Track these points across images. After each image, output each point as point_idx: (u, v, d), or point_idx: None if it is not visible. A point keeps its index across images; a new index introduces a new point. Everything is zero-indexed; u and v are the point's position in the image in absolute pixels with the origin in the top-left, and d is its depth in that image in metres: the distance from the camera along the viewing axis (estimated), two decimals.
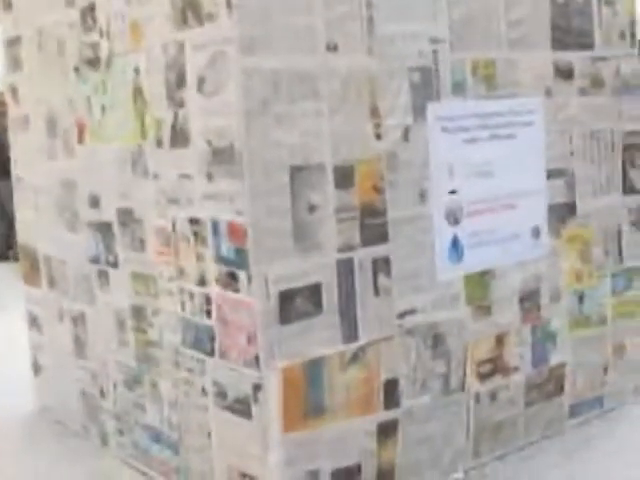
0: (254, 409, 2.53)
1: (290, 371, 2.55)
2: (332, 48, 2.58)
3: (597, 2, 3.31)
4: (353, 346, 2.69)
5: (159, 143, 2.78)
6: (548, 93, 3.16)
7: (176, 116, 2.67)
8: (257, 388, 2.51)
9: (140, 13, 2.78)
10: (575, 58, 3.24)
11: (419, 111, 2.79)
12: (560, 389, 3.34)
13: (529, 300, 3.19)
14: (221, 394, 2.66)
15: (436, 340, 2.91)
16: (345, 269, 2.66)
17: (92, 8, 3.06)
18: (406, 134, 2.77)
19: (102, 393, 3.36)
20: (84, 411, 3.50)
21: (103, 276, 3.24)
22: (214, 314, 2.62)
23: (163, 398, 2.97)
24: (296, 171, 2.53)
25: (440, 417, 2.95)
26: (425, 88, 2.81)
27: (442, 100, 2.85)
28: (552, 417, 3.31)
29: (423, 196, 2.83)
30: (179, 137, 2.67)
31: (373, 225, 2.71)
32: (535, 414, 3.25)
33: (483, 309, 3.04)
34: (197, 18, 2.51)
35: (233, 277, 2.52)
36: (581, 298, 3.39)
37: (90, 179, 3.23)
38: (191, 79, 2.57)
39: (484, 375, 3.07)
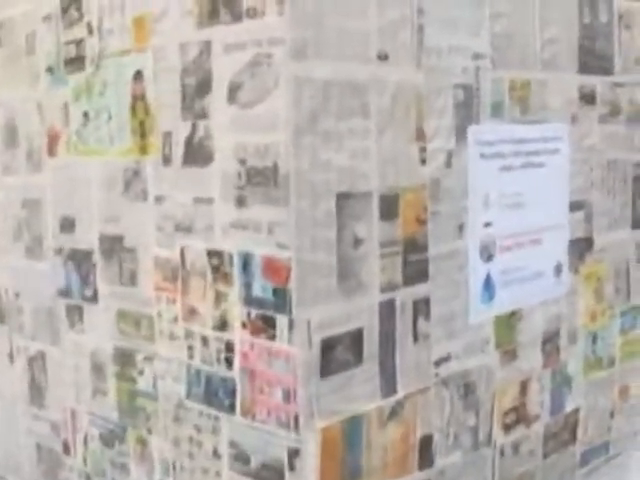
0: (288, 477, 2.14)
1: (329, 432, 2.19)
2: (383, 57, 2.24)
3: (618, 25, 3.11)
4: (392, 400, 2.35)
5: (166, 160, 2.36)
6: (574, 119, 2.93)
7: (194, 129, 2.26)
8: (294, 454, 2.13)
9: (148, 7, 2.36)
10: (598, 83, 3.03)
11: (460, 134, 2.49)
12: (574, 437, 3.10)
13: (550, 342, 2.93)
14: (242, 458, 2.25)
15: (467, 390, 2.61)
16: (387, 312, 2.32)
17: None
18: (449, 159, 2.47)
19: (66, 448, 2.88)
20: (40, 469, 3.00)
21: (75, 312, 2.77)
22: (237, 364, 2.22)
23: (154, 458, 2.54)
24: (343, 198, 2.17)
25: (468, 475, 2.64)
26: (467, 108, 2.51)
27: (481, 122, 2.56)
28: (566, 467, 3.06)
29: (461, 229, 2.53)
30: (197, 154, 2.26)
31: (415, 262, 2.39)
32: (551, 465, 2.99)
33: (510, 354, 2.76)
34: (233, 13, 2.12)
35: (268, 321, 2.13)
36: (594, 339, 3.16)
37: (63, 198, 2.77)
38: (219, 86, 2.17)
39: (508, 426, 2.78)
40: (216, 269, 2.25)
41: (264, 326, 2.14)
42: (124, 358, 2.60)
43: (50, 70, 2.75)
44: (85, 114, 2.64)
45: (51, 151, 2.80)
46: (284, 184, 2.05)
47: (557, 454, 3.01)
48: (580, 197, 3.00)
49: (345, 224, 2.18)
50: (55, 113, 2.76)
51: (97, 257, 2.65)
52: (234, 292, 2.20)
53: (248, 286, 2.16)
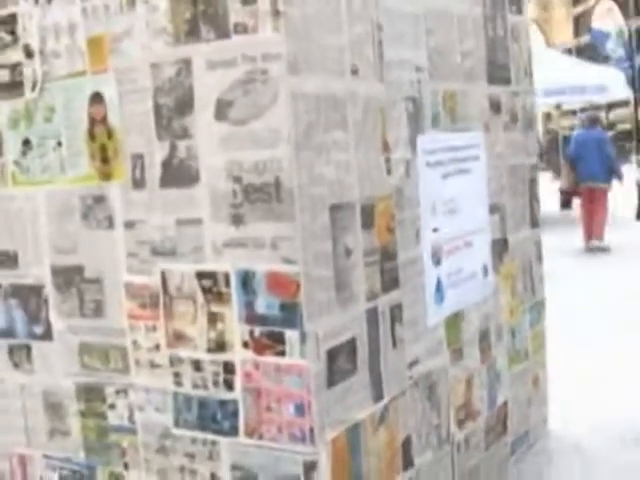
0: None
1: (338, 442, 2.21)
2: (354, 72, 2.31)
3: (510, 37, 3.35)
4: (380, 405, 2.41)
5: (137, 184, 2.29)
6: (486, 127, 3.13)
7: (173, 149, 2.21)
8: (311, 467, 2.12)
9: (106, 27, 2.28)
10: (501, 92, 3.25)
11: (413, 144, 2.60)
12: (505, 428, 3.28)
13: (484, 340, 3.10)
14: (247, 479, 2.22)
15: (430, 390, 2.70)
16: (372, 319, 2.37)
17: (9, 21, 2.47)
18: (408, 169, 2.56)
19: None
20: None
21: (20, 352, 2.60)
22: (239, 384, 2.19)
23: None
24: (334, 211, 2.21)
25: (436, 472, 2.73)
26: (415, 120, 2.62)
27: (425, 132, 2.68)
28: (501, 457, 3.23)
29: (417, 236, 2.63)
30: (178, 175, 2.21)
31: (389, 269, 2.46)
32: (491, 456, 3.15)
33: (457, 352, 2.89)
34: (217, 30, 2.10)
35: (275, 338, 2.12)
36: (513, 334, 3.37)
37: None
38: (204, 104, 2.14)
39: (461, 422, 2.91)
40: (208, 290, 2.20)
41: (271, 343, 2.13)
42: (90, 394, 2.47)
43: None
44: (26, 142, 2.50)
45: None
46: (288, 199, 2.06)
47: (494, 445, 3.18)
48: (495, 200, 3.20)
49: (337, 236, 2.22)
50: None
51: (49, 291, 2.50)
52: (232, 312, 2.17)
53: (249, 304, 2.14)
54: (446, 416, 2.80)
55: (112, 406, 2.44)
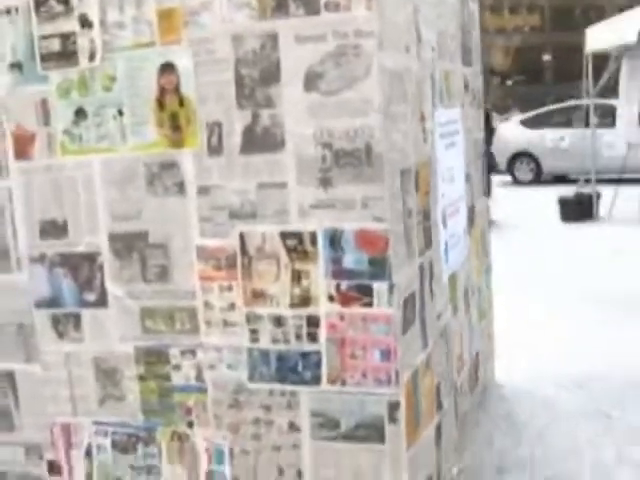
0: (389, 430, 2.35)
1: (409, 384, 2.44)
2: (407, 49, 2.53)
3: (471, 23, 3.68)
4: (426, 352, 2.65)
5: (214, 151, 2.39)
6: (462, 105, 3.44)
7: (256, 118, 2.34)
8: (395, 406, 2.34)
9: (181, 0, 2.37)
10: (468, 73, 3.57)
11: (432, 117, 2.86)
12: (477, 378, 3.62)
13: (466, 297, 3.42)
14: (329, 425, 2.40)
15: (446, 341, 2.98)
16: (421, 274, 2.61)
17: None
18: (433, 139, 2.82)
19: (54, 468, 2.70)
20: None
21: (67, 322, 2.62)
22: (323, 336, 2.36)
23: (198, 451, 2.54)
24: (402, 174, 2.43)
25: (450, 416, 3.02)
26: (432, 95, 2.88)
27: (437, 107, 2.95)
28: (473, 405, 3.57)
29: (436, 200, 2.89)
30: (261, 142, 2.34)
31: (427, 229, 2.71)
32: (472, 404, 3.48)
33: (454, 308, 3.18)
34: (306, 6, 2.25)
35: (362, 290, 2.31)
36: (480, 292, 3.72)
37: (44, 202, 2.59)
38: (291, 75, 2.29)
39: (458, 370, 3.21)
40: (293, 249, 2.36)
41: (358, 295, 2.32)
42: (150, 357, 2.55)
43: (17, 66, 2.56)
44: (78, 112, 2.52)
45: (21, 153, 2.60)
46: (378, 163, 2.26)
47: (471, 393, 3.51)
48: (467, 171, 3.52)
49: (405, 197, 2.44)
50: (26, 112, 2.57)
51: (105, 258, 2.55)
52: (317, 268, 2.34)
53: (336, 260, 2.32)
54: (453, 365, 3.09)
55: (177, 367, 2.53)
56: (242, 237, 2.40)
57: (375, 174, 2.26)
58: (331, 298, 2.34)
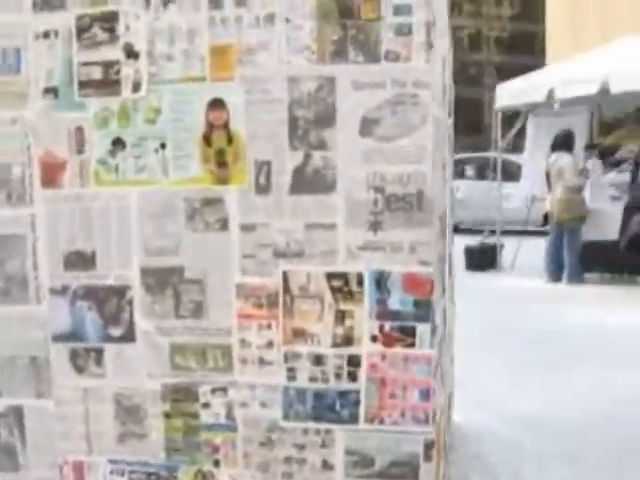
0: (424, 468, 2.41)
1: (440, 424, 2.51)
2: (442, 101, 2.65)
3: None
4: (446, 393, 2.73)
5: (262, 189, 2.41)
6: None
7: (307, 159, 2.39)
8: (430, 445, 2.40)
9: (238, 38, 2.39)
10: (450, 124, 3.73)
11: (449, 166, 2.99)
12: (450, 419, 3.72)
13: (449, 341, 3.53)
14: (363, 463, 2.43)
15: (442, 381, 3.07)
16: (444, 317, 2.70)
17: (107, 19, 2.47)
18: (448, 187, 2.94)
19: None
20: None
21: (87, 356, 2.55)
22: (364, 375, 2.41)
23: None
24: (440, 219, 2.53)
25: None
26: (448, 144, 3.01)
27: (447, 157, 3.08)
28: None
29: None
30: (312, 183, 2.39)
31: (443, 274, 2.81)
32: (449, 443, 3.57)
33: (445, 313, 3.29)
34: (366, 54, 2.33)
35: (405, 331, 2.38)
36: (451, 337, 3.84)
37: (72, 233, 2.53)
38: (347, 119, 2.35)
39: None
40: (338, 290, 2.40)
41: (401, 336, 2.38)
42: (178, 394, 2.51)
43: (52, 91, 2.51)
44: (117, 142, 2.49)
45: (49, 181, 2.53)
46: (429, 208, 2.34)
47: (449, 432, 3.61)
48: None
49: (440, 243, 2.54)
50: (57, 139, 2.52)
51: (136, 292, 2.51)
52: (362, 309, 2.39)
53: (381, 302, 2.38)
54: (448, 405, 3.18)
55: (206, 405, 2.50)
56: (285, 276, 2.42)
57: (426, 219, 2.34)
58: (374, 338, 2.39)
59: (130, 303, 2.52)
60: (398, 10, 2.32)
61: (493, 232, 10.00)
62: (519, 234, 10.01)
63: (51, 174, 2.54)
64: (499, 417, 4.14)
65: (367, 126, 2.35)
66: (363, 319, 2.39)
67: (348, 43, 2.34)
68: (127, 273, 2.51)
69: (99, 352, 2.55)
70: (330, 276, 2.40)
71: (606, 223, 7.91)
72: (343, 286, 2.40)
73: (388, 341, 2.39)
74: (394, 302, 2.38)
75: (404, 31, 2.31)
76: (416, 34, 2.31)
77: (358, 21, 2.33)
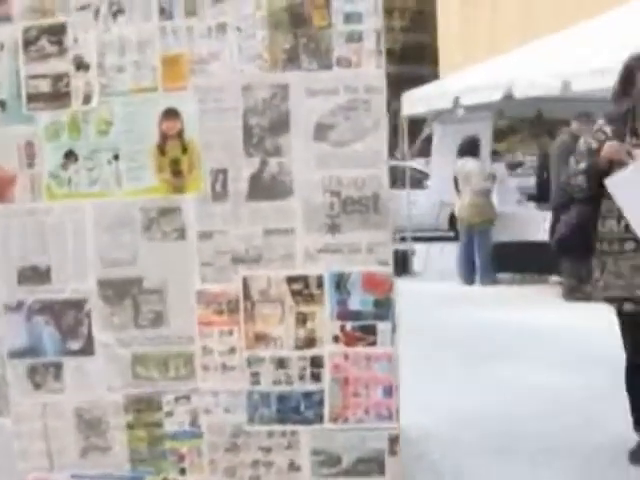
0: (389, 463, 2.47)
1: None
2: None
3: None
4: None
5: (219, 197, 2.45)
6: None
7: (264, 165, 2.43)
8: (395, 440, 2.47)
9: (190, 48, 2.42)
10: None
11: None
12: None
13: None
14: (330, 462, 2.48)
15: None
16: None
17: (55, 31, 2.45)
18: None
19: None
20: None
21: (46, 371, 2.52)
22: (327, 375, 2.46)
23: None
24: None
25: None
26: None
27: None
28: None
29: None
30: (269, 189, 2.43)
31: None
32: None
33: None
34: (318, 61, 2.39)
35: (367, 330, 2.44)
36: None
37: (25, 248, 2.50)
38: (301, 125, 2.41)
39: None
40: (298, 293, 2.44)
41: (362, 335, 2.45)
42: (142, 404, 2.50)
43: (0, 105, 2.48)
44: (68, 154, 2.48)
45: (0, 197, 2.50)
46: (385, 210, 2.42)
47: None
48: None
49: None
50: (6, 153, 2.49)
51: (94, 304, 2.49)
52: (323, 311, 2.44)
53: (342, 302, 2.44)
54: None
55: (169, 414, 2.50)
56: (245, 281, 2.45)
57: (382, 221, 2.42)
58: (336, 339, 2.45)
59: (88, 316, 2.50)
60: (348, 18, 2.39)
61: (403, 239, 10.21)
62: (428, 240, 10.26)
63: (1, 189, 2.50)
64: (426, 416, 4.24)
65: (321, 131, 2.41)
66: (324, 320, 2.45)
67: (300, 51, 2.40)
68: (84, 286, 2.50)
69: (58, 367, 2.52)
70: (290, 279, 2.45)
71: (514, 225, 8.19)
72: (303, 289, 2.45)
73: (350, 341, 2.45)
74: (354, 302, 2.44)
75: (355, 38, 2.39)
76: (366, 41, 2.39)
77: (309, 29, 2.40)
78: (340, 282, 2.44)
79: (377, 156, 2.41)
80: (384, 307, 2.44)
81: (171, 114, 2.44)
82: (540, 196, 8.59)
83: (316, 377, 2.46)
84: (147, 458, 2.52)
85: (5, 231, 2.51)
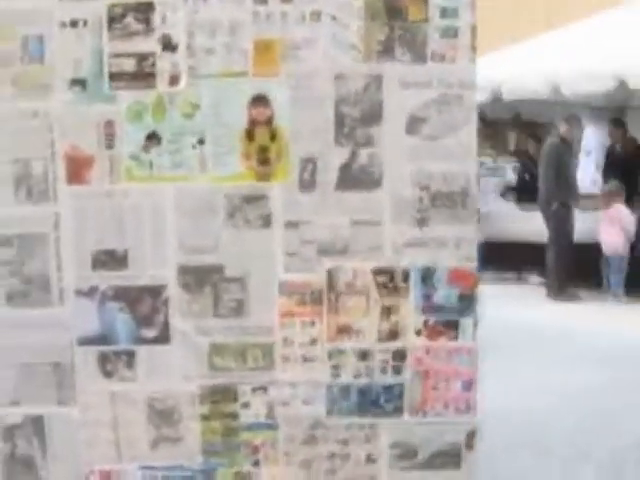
0: (466, 456, 2.49)
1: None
2: None
3: None
4: None
5: (306, 186, 2.41)
6: None
7: (354, 156, 2.41)
8: (472, 434, 2.49)
9: (283, 33, 2.38)
10: None
11: None
12: None
13: None
14: (406, 454, 2.48)
15: None
16: None
17: (141, 9, 2.38)
18: None
19: None
20: None
21: (117, 360, 2.45)
22: (409, 369, 2.46)
23: None
24: None
25: None
26: None
27: None
28: None
29: None
30: (358, 179, 2.41)
31: None
32: None
33: None
34: (412, 53, 2.38)
35: (449, 324, 2.45)
36: None
37: (100, 231, 2.42)
38: (393, 117, 2.39)
39: None
40: (383, 285, 2.44)
41: (444, 329, 2.45)
42: (218, 395, 2.46)
43: (80, 83, 2.39)
44: (151, 136, 2.41)
45: (75, 177, 2.40)
46: (472, 206, 2.43)
47: None
48: None
49: None
50: (85, 133, 2.40)
51: (172, 292, 2.43)
52: (407, 304, 2.44)
53: (428, 296, 2.44)
54: None
55: (245, 405, 2.46)
56: (330, 272, 2.43)
57: (469, 216, 2.43)
58: (419, 332, 2.45)
59: (165, 303, 2.44)
60: (445, 12, 2.39)
61: None
62: None
63: (77, 170, 2.41)
64: None
65: (414, 124, 2.40)
66: (409, 314, 2.44)
67: (395, 43, 2.39)
68: (162, 272, 2.43)
69: (130, 355, 2.45)
70: (376, 272, 2.43)
71: (496, 224, 8.31)
72: (388, 282, 2.44)
73: (432, 335, 2.45)
74: (439, 297, 2.44)
75: (450, 33, 2.39)
76: (461, 36, 2.39)
77: (405, 22, 2.38)
78: (426, 276, 2.44)
79: (467, 151, 2.41)
80: (468, 302, 2.45)
81: (261, 100, 2.40)
82: (520, 196, 8.75)
83: (397, 370, 2.46)
84: (220, 450, 2.47)
85: (80, 214, 2.42)
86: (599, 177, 9.08)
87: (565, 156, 7.41)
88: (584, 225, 7.76)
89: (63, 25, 2.38)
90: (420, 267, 2.43)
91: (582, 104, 6.15)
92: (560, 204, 7.30)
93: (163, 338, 2.44)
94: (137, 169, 2.41)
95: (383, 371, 2.46)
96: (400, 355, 2.45)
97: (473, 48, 2.39)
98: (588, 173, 9.16)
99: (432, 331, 2.45)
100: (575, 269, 7.66)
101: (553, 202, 7.42)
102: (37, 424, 2.47)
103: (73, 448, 2.47)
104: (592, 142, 9.10)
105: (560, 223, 7.52)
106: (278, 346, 2.45)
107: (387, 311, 2.44)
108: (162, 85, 2.39)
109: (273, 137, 2.40)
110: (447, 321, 2.45)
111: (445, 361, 2.46)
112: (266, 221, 2.42)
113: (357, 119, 2.40)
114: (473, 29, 2.39)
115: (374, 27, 2.38)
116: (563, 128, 6.88)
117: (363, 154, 2.41)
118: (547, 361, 5.35)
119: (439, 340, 2.45)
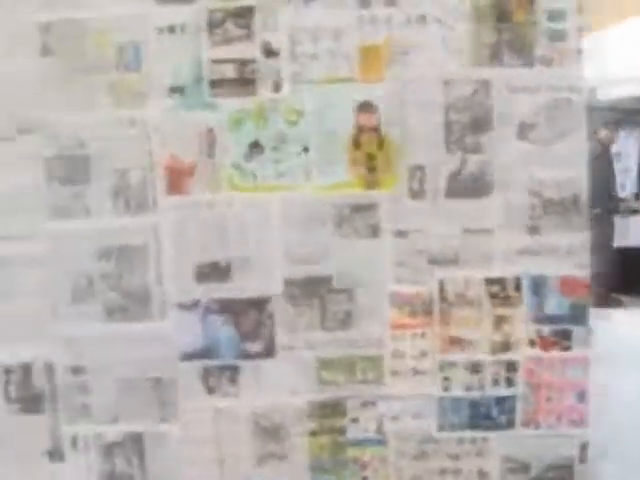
0: (578, 470, 2.42)
1: None
2: None
3: None
4: None
5: (416, 194, 2.35)
6: None
7: (464, 163, 2.35)
8: (584, 447, 2.42)
9: (389, 38, 2.32)
10: None
11: None
12: None
13: None
14: (518, 468, 2.41)
15: None
16: None
17: (242, 14, 2.32)
18: None
19: None
20: None
21: (220, 375, 2.37)
22: (521, 380, 2.39)
23: None
24: None
25: None
26: None
27: None
28: None
29: None
30: (468, 187, 2.35)
31: None
32: None
33: None
34: (520, 58, 2.33)
35: (562, 334, 2.39)
36: None
37: (202, 243, 2.35)
38: (504, 123, 2.34)
39: None
40: (495, 295, 2.37)
41: (557, 339, 2.39)
42: (326, 410, 2.38)
43: (178, 91, 2.32)
44: (254, 145, 2.34)
45: (174, 187, 2.33)
46: (584, 212, 2.37)
47: None
48: None
49: None
50: (185, 142, 2.33)
51: (277, 304, 2.36)
52: (519, 314, 2.37)
53: (539, 306, 2.38)
54: None
55: (354, 420, 2.39)
56: (441, 283, 2.36)
57: (581, 223, 2.37)
58: (532, 343, 2.38)
59: (271, 316, 2.36)
60: (552, 16, 2.33)
61: None
62: None
63: (177, 179, 2.34)
64: None
65: (524, 130, 2.35)
66: (521, 324, 2.38)
67: (503, 47, 2.33)
68: (268, 284, 2.36)
69: (234, 370, 2.37)
70: (488, 281, 2.37)
71: None
72: (500, 291, 2.37)
73: (545, 345, 2.39)
74: (551, 306, 2.38)
75: (558, 37, 2.33)
76: (569, 39, 2.34)
77: (513, 25, 2.33)
78: (537, 285, 2.37)
79: (578, 157, 2.36)
80: (580, 311, 2.38)
81: (367, 106, 2.33)
82: None
83: (509, 382, 2.39)
84: (328, 466, 2.40)
85: (181, 225, 2.35)
86: (628, 182, 9.06)
87: (604, 162, 7.36)
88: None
89: (160, 31, 2.31)
90: (532, 276, 2.37)
91: (616, 109, 6.12)
92: (601, 210, 7.26)
93: (268, 352, 2.37)
94: (239, 178, 2.34)
95: (495, 383, 2.39)
96: (512, 367, 2.39)
97: (580, 51, 2.34)
98: (621, 178, 9.11)
99: (545, 342, 2.39)
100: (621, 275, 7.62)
101: (594, 208, 7.31)
102: (136, 442, 2.39)
103: (174, 466, 2.39)
104: (624, 147, 9.05)
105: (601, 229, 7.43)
106: (387, 359, 2.38)
107: (499, 322, 2.37)
108: (264, 92, 2.32)
109: (380, 144, 2.34)
110: (560, 331, 2.38)
111: (558, 372, 2.39)
112: (375, 230, 2.36)
113: (466, 125, 2.34)
114: (580, 32, 2.34)
115: (482, 31, 2.33)
116: (602, 133, 6.85)
117: (473, 161, 2.35)
118: None
119: (552, 351, 2.39)
